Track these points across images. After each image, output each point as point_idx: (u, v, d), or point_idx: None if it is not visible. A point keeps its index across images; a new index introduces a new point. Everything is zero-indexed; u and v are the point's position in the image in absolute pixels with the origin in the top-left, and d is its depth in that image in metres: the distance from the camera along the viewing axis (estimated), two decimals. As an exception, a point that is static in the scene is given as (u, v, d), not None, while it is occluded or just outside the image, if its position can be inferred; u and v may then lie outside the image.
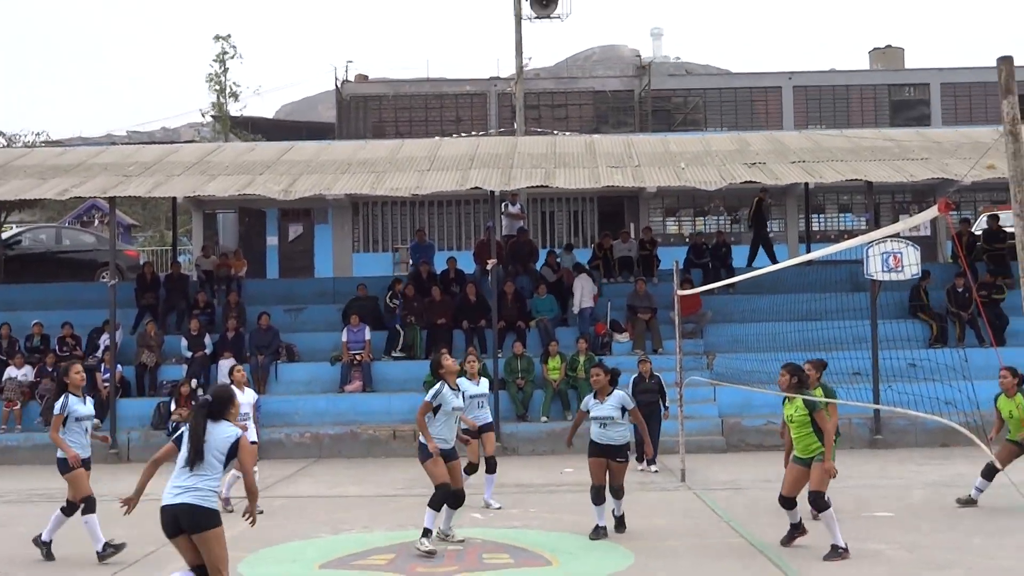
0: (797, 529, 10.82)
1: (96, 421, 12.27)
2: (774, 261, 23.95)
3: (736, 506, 13.37)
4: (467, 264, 25.27)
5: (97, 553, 10.84)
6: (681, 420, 15.88)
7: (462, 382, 13.12)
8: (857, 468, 16.77)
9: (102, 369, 20.82)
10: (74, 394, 10.99)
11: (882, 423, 19.28)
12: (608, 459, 11.55)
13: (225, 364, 20.06)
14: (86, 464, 11.05)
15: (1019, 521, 11.56)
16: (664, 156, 22.32)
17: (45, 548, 11.03)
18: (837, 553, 10.19)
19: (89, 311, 22.84)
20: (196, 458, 7.78)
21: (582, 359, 20.30)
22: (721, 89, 44.34)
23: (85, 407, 11.09)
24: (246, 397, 13.93)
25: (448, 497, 11.02)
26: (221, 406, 8.06)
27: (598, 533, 11.60)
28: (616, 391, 11.71)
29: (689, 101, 44.10)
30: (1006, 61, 5.45)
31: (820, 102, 43.41)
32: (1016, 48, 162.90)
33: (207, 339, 21.56)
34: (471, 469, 13.54)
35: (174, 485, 7.79)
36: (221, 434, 7.93)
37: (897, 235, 19.74)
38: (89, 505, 10.91)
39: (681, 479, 15.49)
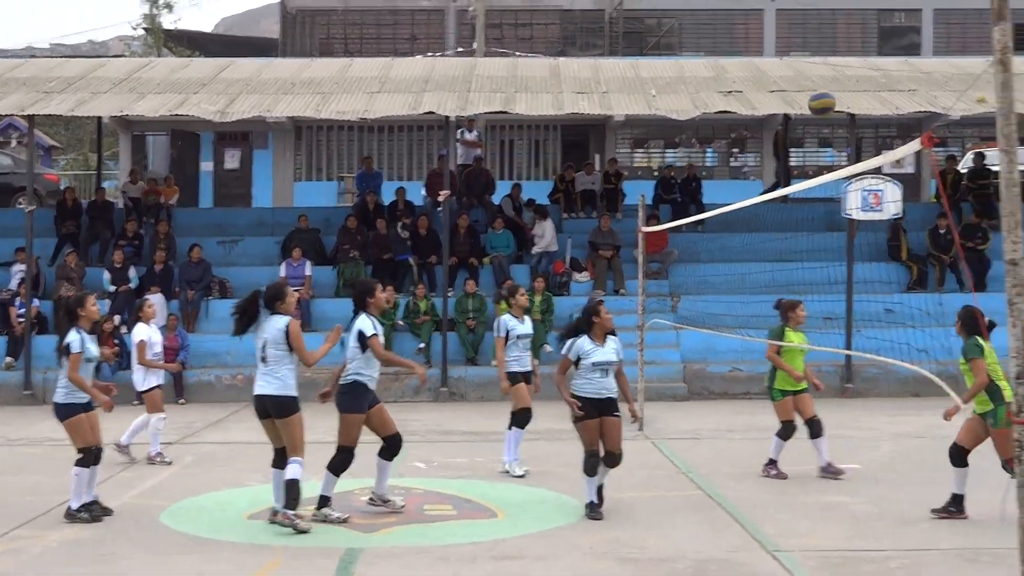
0: (956, 504, 10.13)
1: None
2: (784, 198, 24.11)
3: (696, 457, 13.55)
4: (417, 195, 25.24)
5: (69, 509, 10.31)
6: (641, 366, 16.01)
7: (506, 320, 12.72)
8: (826, 418, 16.96)
9: (16, 303, 20.66)
10: (86, 329, 10.48)
11: (854, 371, 19.54)
12: (603, 415, 10.22)
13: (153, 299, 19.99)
14: (87, 408, 10.42)
15: (992, 476, 11.81)
16: (634, 82, 22.27)
17: (88, 513, 10.24)
18: None
19: (3, 240, 22.63)
20: (261, 351, 9.82)
21: (538, 299, 20.37)
22: (698, 11, 44.10)
23: (94, 346, 10.55)
24: (156, 335, 13.80)
25: (348, 461, 10.24)
26: (271, 298, 9.89)
27: (595, 512, 10.27)
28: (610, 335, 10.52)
29: (664, 23, 43.89)
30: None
31: (804, 27, 43.35)
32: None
33: (132, 272, 21.44)
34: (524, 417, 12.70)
35: (259, 377, 9.88)
36: (273, 326, 9.79)
37: (878, 172, 19.95)
38: (88, 457, 10.29)
39: (639, 428, 15.65)
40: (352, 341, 10.22)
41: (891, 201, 17.33)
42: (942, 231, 21.83)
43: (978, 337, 9.96)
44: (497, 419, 16.89)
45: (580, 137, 36.82)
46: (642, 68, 23.59)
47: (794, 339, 12.16)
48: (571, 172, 25.37)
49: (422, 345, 20.26)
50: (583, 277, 22.14)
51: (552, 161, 35.70)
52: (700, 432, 15.61)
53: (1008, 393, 9.50)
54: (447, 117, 20.65)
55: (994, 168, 25.61)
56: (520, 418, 12.70)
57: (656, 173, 30.50)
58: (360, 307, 10.36)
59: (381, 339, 10.31)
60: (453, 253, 21.22)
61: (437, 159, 26.14)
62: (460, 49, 38.98)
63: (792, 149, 34.08)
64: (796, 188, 11.78)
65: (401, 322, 20.47)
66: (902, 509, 10.49)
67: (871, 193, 17.91)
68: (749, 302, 17.30)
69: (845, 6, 44.20)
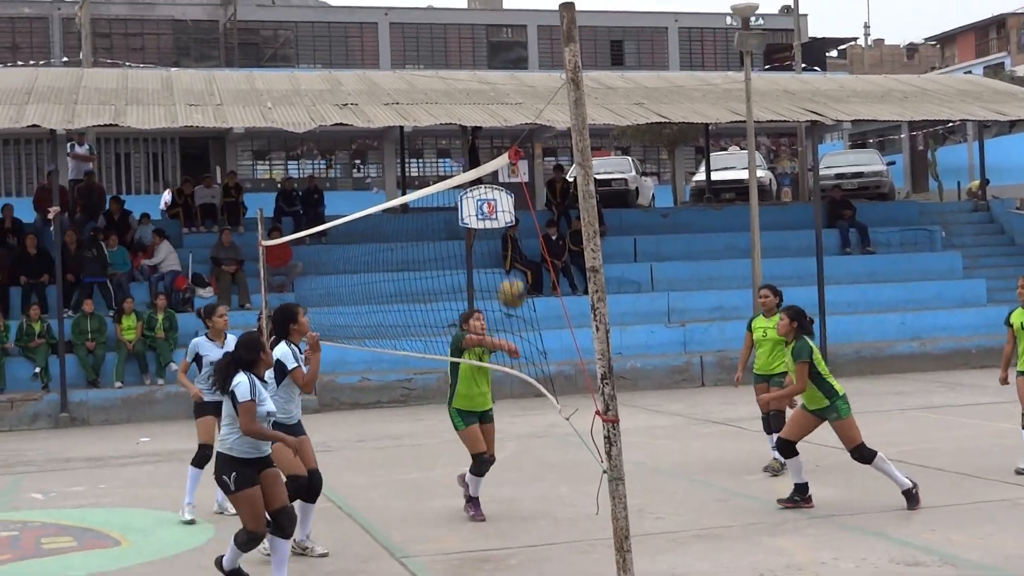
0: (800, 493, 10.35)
1: None
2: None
3: (327, 469, 13.41)
4: (26, 213, 23.90)
5: None
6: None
7: (199, 343, 11.11)
8: (446, 422, 17.41)
9: None
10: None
11: (479, 375, 20.10)
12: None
13: None
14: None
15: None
16: (249, 94, 22.06)
17: None
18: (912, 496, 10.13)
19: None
20: None
21: (161, 317, 19.80)
22: (314, 23, 44.21)
23: None
24: None
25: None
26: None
27: None
28: None
29: (279, 35, 43.68)
30: (567, 7, 5.77)
31: (417, 41, 44.31)
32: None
33: None
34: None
35: None
36: None
37: (495, 182, 20.68)
38: None
39: (269, 444, 15.49)
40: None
41: (504, 211, 17.94)
42: (554, 237, 22.85)
43: (807, 338, 10.26)
44: (121, 442, 16.32)
45: (200, 149, 36.09)
46: (257, 80, 23.45)
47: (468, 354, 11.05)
48: (189, 186, 24.79)
49: (38, 369, 19.24)
50: (207, 292, 21.67)
51: (172, 174, 34.79)
52: (331, 444, 15.61)
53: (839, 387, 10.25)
54: (53, 130, 19.71)
55: (597, 176, 27.11)
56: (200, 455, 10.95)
57: (279, 185, 30.30)
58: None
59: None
60: (68, 271, 20.24)
61: (46, 174, 24.86)
62: (66, 59, 37.29)
63: (412, 159, 34.69)
64: (406, 199, 11.99)
65: (13, 345, 19.35)
66: (524, 507, 10.89)
67: (485, 202, 18.46)
68: (376, 312, 17.43)
69: (455, 21, 45.53)
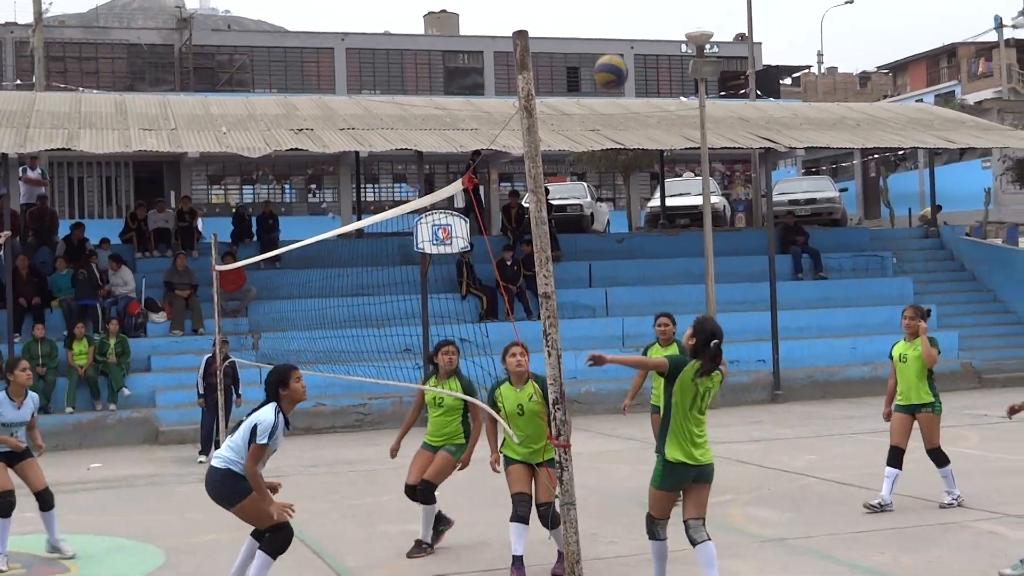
0: None
1: None
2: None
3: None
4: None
5: None
6: (222, 405, 15.80)
7: None
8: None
9: None
10: None
11: (433, 400, 20.10)
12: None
13: None
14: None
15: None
16: (204, 119, 22.04)
17: None
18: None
19: None
20: None
21: (112, 342, 19.67)
22: (270, 48, 44.19)
23: None
24: None
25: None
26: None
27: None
28: None
29: (235, 59, 43.61)
30: (521, 35, 5.84)
31: (374, 66, 44.38)
32: (539, 24, 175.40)
33: None
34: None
35: None
36: None
37: (451, 206, 20.76)
38: None
39: (222, 469, 15.40)
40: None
41: (459, 237, 18.00)
42: (509, 262, 22.91)
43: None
44: (72, 468, 16.18)
45: (154, 174, 35.93)
46: (212, 105, 23.43)
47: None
48: (143, 210, 24.66)
49: (-15, 396, 19.03)
50: (160, 317, 21.55)
51: (125, 198, 34.62)
52: (284, 469, 15.50)
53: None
54: (5, 154, 19.60)
55: (553, 202, 27.23)
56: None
57: (234, 210, 30.23)
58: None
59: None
60: (18, 296, 20.08)
61: (-3, 198, 24.67)
62: (19, 82, 37.08)
63: (367, 184, 34.67)
64: (361, 224, 12.07)
65: (-39, 372, 19.15)
66: (478, 532, 10.90)
67: (440, 227, 18.51)
68: (329, 337, 17.41)
69: (412, 47, 45.63)
